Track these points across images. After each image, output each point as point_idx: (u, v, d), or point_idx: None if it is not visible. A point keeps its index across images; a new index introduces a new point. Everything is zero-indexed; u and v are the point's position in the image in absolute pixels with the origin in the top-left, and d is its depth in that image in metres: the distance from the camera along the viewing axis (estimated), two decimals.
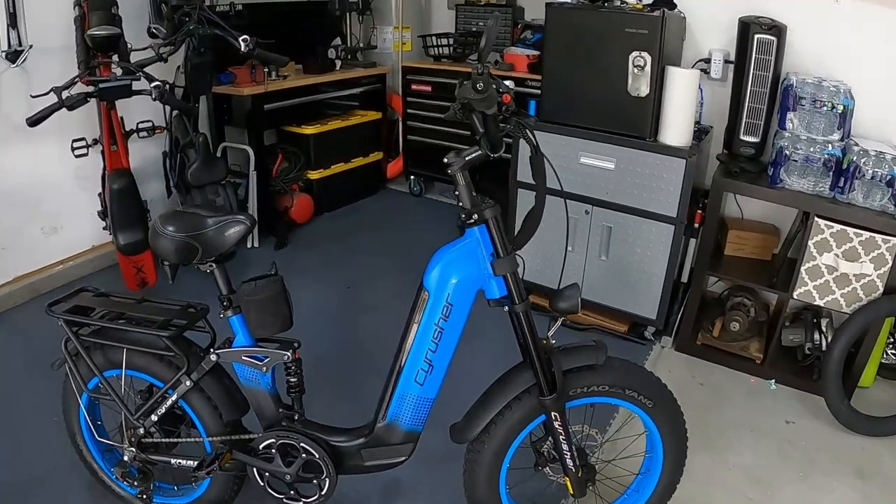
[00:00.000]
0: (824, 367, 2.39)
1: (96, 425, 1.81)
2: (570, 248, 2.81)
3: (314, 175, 4.01)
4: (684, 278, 2.86)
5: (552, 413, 1.48)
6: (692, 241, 2.78)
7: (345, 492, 1.90)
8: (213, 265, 1.52)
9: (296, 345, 1.58)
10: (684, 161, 2.48)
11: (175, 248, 1.47)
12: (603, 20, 2.50)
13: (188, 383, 1.58)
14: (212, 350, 1.58)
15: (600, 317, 2.92)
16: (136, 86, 2.71)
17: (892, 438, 2.34)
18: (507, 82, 1.37)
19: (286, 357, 1.55)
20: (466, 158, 1.39)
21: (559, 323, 1.49)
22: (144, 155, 3.38)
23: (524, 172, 2.85)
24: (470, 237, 1.43)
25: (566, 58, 2.64)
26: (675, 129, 2.50)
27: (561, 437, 1.53)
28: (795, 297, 2.51)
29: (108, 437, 1.80)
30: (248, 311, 1.52)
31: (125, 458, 1.70)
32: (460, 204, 1.41)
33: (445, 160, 1.39)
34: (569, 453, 1.55)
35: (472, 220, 1.40)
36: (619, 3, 2.56)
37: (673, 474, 1.71)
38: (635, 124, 2.55)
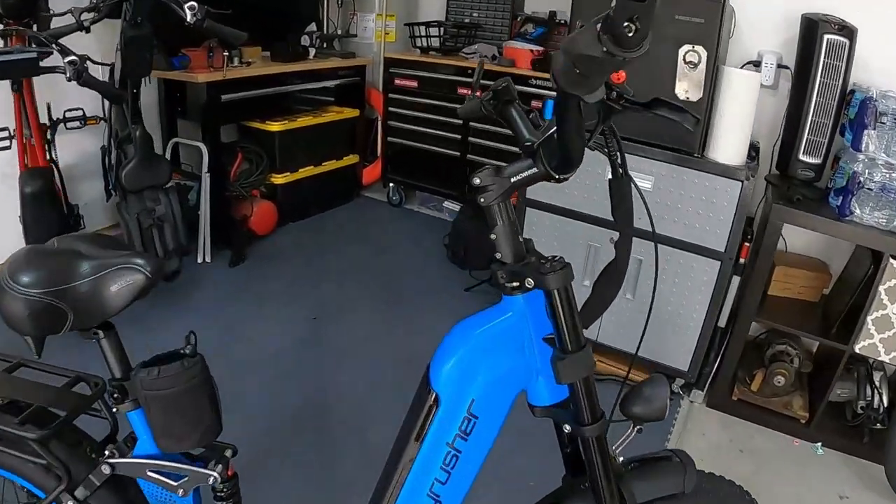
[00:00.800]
0: (889, 434, 2.07)
1: None
2: (585, 283, 2.32)
3: (279, 179, 3.56)
4: (720, 322, 2.40)
5: None
6: (734, 279, 2.32)
7: None
8: (100, 333, 0.98)
9: (228, 454, 1.04)
10: (740, 184, 2.03)
11: (29, 312, 0.91)
12: None
13: (71, 503, 1.05)
14: (106, 452, 1.04)
15: (620, 365, 2.44)
16: (49, 62, 2.14)
17: None
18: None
19: (213, 478, 1.01)
20: (512, 180, 0.85)
21: (632, 432, 0.99)
22: (81, 149, 2.89)
23: (538, 188, 2.35)
24: (511, 310, 0.88)
25: None
26: (729, 143, 2.05)
27: None
28: (857, 350, 2.12)
29: None
30: (149, 412, 0.98)
31: None
32: (498, 255, 0.87)
33: (476, 181, 0.85)
34: None
35: (516, 285, 0.85)
36: None
37: None
38: (681, 135, 2.07)
